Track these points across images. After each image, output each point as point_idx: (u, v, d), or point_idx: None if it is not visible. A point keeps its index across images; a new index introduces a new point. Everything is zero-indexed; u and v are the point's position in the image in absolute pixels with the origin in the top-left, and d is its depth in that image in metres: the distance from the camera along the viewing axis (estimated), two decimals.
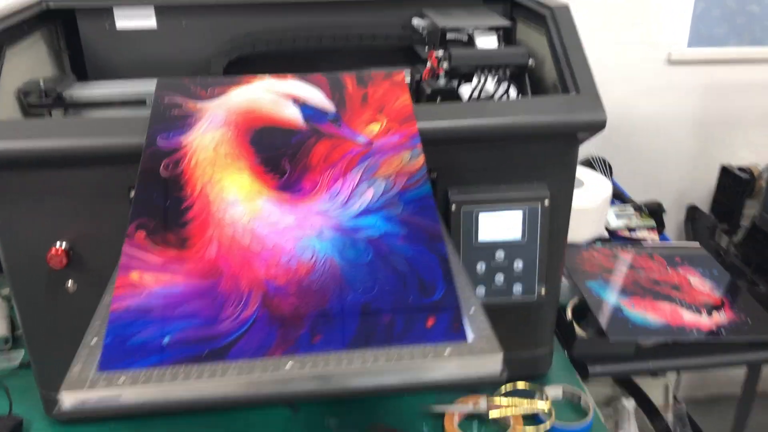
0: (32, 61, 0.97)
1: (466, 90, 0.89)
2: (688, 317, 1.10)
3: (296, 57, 1.04)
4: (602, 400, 1.49)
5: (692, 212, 1.82)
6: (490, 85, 0.88)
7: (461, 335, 0.56)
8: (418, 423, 0.92)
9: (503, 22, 0.98)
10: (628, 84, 1.74)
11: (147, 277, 0.59)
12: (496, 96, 0.88)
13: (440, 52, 0.90)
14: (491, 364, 0.55)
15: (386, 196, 0.67)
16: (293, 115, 0.76)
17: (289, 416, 0.94)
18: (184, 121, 0.74)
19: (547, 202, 0.84)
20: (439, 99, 0.87)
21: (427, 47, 0.99)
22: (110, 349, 0.54)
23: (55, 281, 0.81)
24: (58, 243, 0.79)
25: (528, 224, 0.85)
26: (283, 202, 0.66)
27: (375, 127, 0.75)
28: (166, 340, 0.55)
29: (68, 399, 0.51)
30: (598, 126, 0.79)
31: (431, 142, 0.79)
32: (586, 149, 1.79)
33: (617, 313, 1.11)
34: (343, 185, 0.68)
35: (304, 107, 0.76)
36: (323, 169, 0.70)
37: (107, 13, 1.02)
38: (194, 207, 0.65)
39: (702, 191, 1.88)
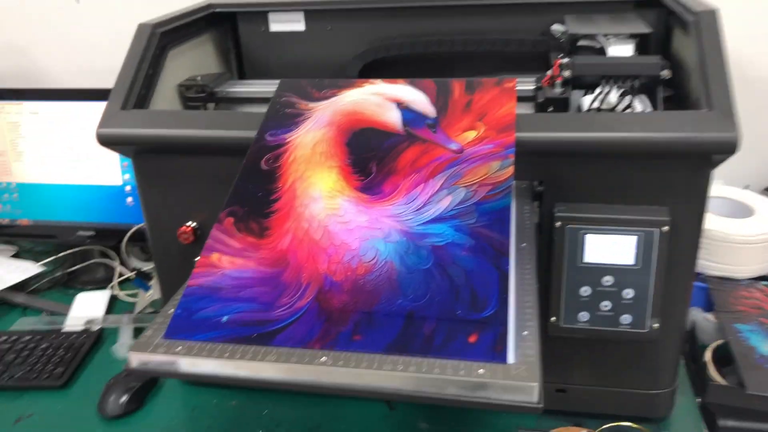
0: (200, 59, 1.10)
1: (587, 101, 0.83)
2: None
3: (429, 61, 1.05)
4: None
5: None
6: (614, 96, 0.82)
7: (502, 356, 0.53)
8: None
9: (642, 29, 0.90)
10: None
11: (224, 260, 0.65)
12: (618, 108, 0.81)
13: (565, 60, 0.85)
14: (525, 392, 0.51)
15: (463, 205, 0.66)
16: (393, 118, 0.77)
17: (386, 413, 0.95)
18: (293, 120, 0.79)
19: (666, 228, 0.76)
20: (551, 109, 0.82)
21: (560, 55, 0.95)
22: (178, 320, 0.60)
23: (185, 255, 0.91)
24: (189, 222, 0.89)
25: (642, 250, 0.77)
26: (360, 203, 0.68)
27: (471, 135, 0.73)
28: (224, 318, 0.59)
29: (135, 359, 0.58)
30: (727, 147, 0.70)
31: (537, 154, 0.75)
32: None
33: (765, 363, 0.96)
34: (422, 191, 0.68)
35: (406, 111, 0.77)
36: (407, 173, 0.70)
37: (263, 17, 1.12)
38: (281, 200, 0.70)
39: None
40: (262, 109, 0.83)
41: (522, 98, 0.89)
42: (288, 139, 0.76)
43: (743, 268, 1.15)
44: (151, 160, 0.86)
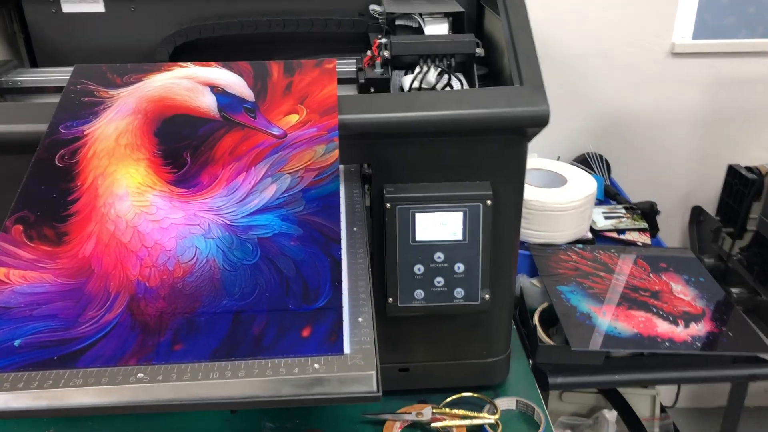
0: None
1: (407, 80, 0.83)
2: (662, 328, 1.03)
3: (246, 44, 1.00)
4: (585, 411, 1.42)
5: (697, 214, 1.72)
6: (432, 75, 0.82)
7: (337, 347, 0.51)
8: (358, 430, 0.87)
9: (456, 7, 0.92)
10: (629, 77, 1.65)
11: (14, 275, 0.56)
12: (438, 87, 0.82)
13: (383, 40, 0.84)
14: (363, 382, 0.49)
15: (289, 192, 0.62)
16: (207, 103, 0.71)
17: (227, 417, 0.90)
18: (92, 109, 0.70)
19: (489, 202, 0.78)
20: (372, 89, 0.81)
21: (379, 36, 0.94)
22: None
23: None
24: None
25: (469, 225, 0.79)
26: (175, 197, 0.62)
27: (293, 118, 0.70)
28: (17, 342, 0.51)
29: None
30: (540, 120, 0.73)
31: (362, 136, 0.74)
32: (582, 145, 1.71)
33: (586, 320, 1.04)
34: (244, 180, 0.64)
35: (221, 96, 0.72)
36: (227, 162, 0.65)
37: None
38: (81, 200, 0.62)
39: (709, 192, 1.78)
40: (57, 99, 0.73)
41: (344, 80, 0.87)
42: (86, 131, 0.67)
43: (561, 234, 1.24)
44: None
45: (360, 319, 0.54)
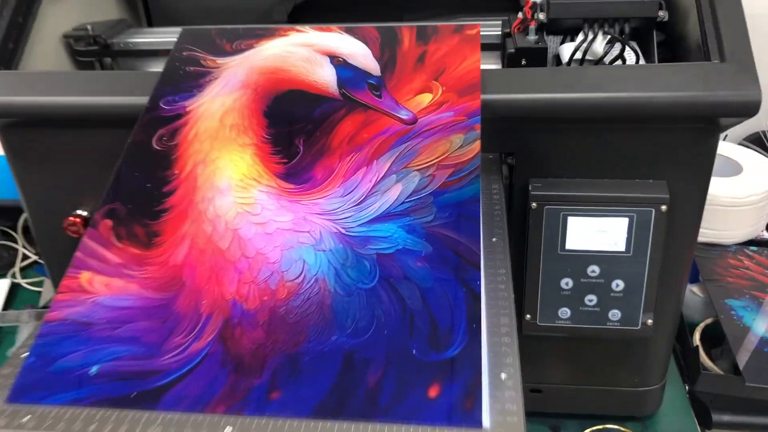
0: (94, 2, 0.89)
1: (567, 50, 0.68)
2: None
3: (372, 3, 0.87)
4: None
5: None
6: (600, 44, 0.66)
7: (473, 418, 0.39)
8: None
9: None
10: None
11: (98, 282, 0.48)
12: (606, 60, 0.66)
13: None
14: None
15: (417, 196, 0.50)
16: (326, 77, 0.60)
17: None
18: (197, 81, 0.61)
19: (664, 207, 0.62)
20: (524, 61, 0.66)
21: None
22: (29, 373, 0.43)
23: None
24: (78, 210, 0.71)
25: (635, 235, 0.63)
26: (283, 195, 0.52)
27: (426, 98, 0.57)
28: (94, 369, 0.43)
29: None
30: (748, 109, 0.55)
31: (508, 120, 0.60)
32: (755, 121, 1.45)
33: (764, 347, 0.85)
34: (364, 177, 0.52)
35: (342, 68, 0.60)
36: (345, 152, 0.54)
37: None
38: (177, 192, 0.53)
39: None
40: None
41: (486, 47, 0.72)
42: (189, 108, 0.58)
43: (731, 233, 1.04)
44: (24, 133, 0.67)
45: (503, 376, 0.42)
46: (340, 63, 0.61)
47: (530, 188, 0.63)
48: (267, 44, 0.64)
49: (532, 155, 0.62)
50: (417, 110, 0.56)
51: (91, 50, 0.82)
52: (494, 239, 0.55)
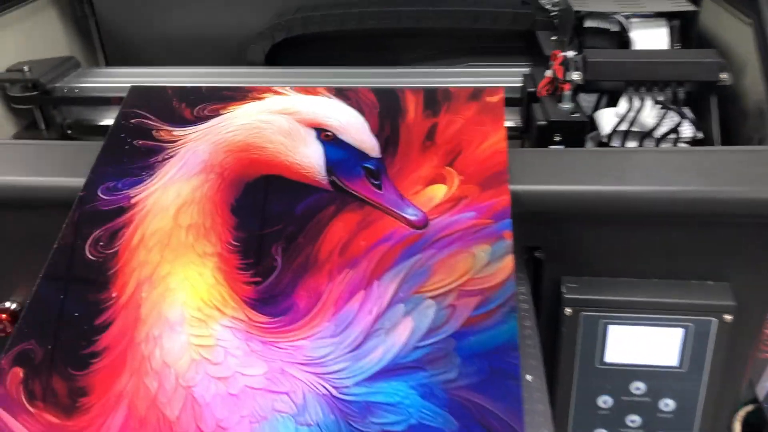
0: (39, 35, 0.76)
1: (608, 119, 0.56)
2: None
3: (364, 42, 0.74)
4: None
5: None
6: (650, 114, 0.54)
7: None
8: None
9: (682, 5, 0.61)
10: None
11: None
12: (657, 133, 0.54)
13: (570, 53, 0.56)
14: None
15: (433, 338, 0.38)
16: (312, 158, 0.47)
17: None
18: (146, 161, 0.48)
19: (728, 317, 0.50)
20: (557, 137, 0.54)
21: (554, 38, 0.66)
22: None
23: None
24: (6, 303, 0.58)
25: (692, 348, 0.52)
26: (254, 333, 0.39)
27: (438, 192, 0.45)
28: None
29: None
30: None
31: (537, 213, 0.48)
32: None
33: None
34: (362, 305, 0.39)
35: (331, 146, 0.47)
36: (337, 268, 0.41)
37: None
38: (113, 326, 0.40)
39: None
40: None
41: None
42: (134, 199, 0.45)
43: None
44: None
45: None
46: (329, 139, 0.48)
47: (563, 290, 0.51)
48: (237, 110, 0.51)
49: (566, 249, 0.50)
50: (428, 208, 0.44)
51: (28, 96, 0.69)
52: (528, 377, 0.42)
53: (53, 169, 0.51)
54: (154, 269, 0.42)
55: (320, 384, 0.37)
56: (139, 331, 0.39)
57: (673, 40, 0.61)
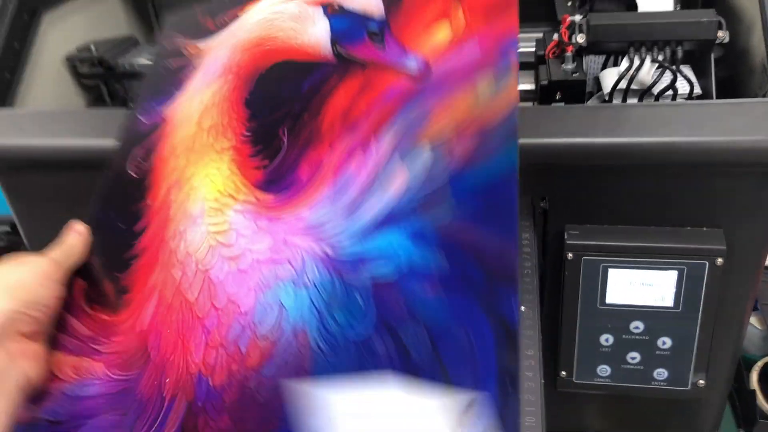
0: (100, 17, 0.79)
1: (610, 77, 0.58)
2: None
3: None
4: None
5: None
6: (648, 71, 0.56)
7: None
8: None
9: None
10: None
11: (67, 364, 0.39)
12: (654, 90, 0.56)
13: (577, 17, 0.58)
14: None
15: (429, 185, 0.37)
16: (318, 36, 0.46)
17: None
18: (176, 77, 0.49)
19: (720, 260, 0.52)
20: (559, 95, 0.57)
21: (569, 3, 0.67)
22: None
23: None
24: None
25: (686, 289, 0.54)
26: (262, 212, 0.40)
27: (442, 33, 0.43)
28: None
29: None
30: None
31: (540, 165, 0.50)
32: None
33: None
34: (360, 167, 0.39)
35: (337, 18, 0.46)
36: (337, 136, 0.41)
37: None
38: (149, 229, 0.42)
39: None
40: None
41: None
42: (166, 114, 0.47)
43: None
44: (24, 177, 0.58)
45: None
46: (335, 12, 0.47)
47: (566, 236, 0.53)
48: (252, 8, 0.50)
49: (569, 200, 0.53)
50: (431, 54, 0.42)
51: (95, 73, 0.73)
52: (522, 308, 0.44)
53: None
54: (181, 173, 0.44)
55: (318, 247, 0.38)
56: (168, 230, 0.41)
57: (676, 4, 0.62)
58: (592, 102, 0.60)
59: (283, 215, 0.40)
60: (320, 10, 0.47)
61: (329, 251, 0.37)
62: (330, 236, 0.38)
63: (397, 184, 0.38)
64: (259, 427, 0.33)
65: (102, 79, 0.74)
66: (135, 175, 0.45)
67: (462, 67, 0.40)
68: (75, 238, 0.42)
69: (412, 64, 0.42)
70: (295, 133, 0.42)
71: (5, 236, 1.01)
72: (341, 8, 0.46)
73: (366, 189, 0.39)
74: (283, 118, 0.43)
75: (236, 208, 0.41)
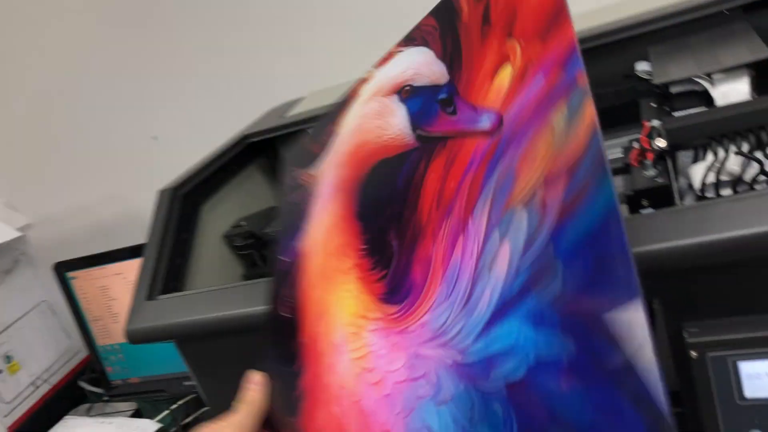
0: (244, 198, 0.91)
1: (698, 172, 0.51)
2: None
3: None
4: None
5: None
6: (735, 162, 0.49)
7: None
8: None
9: (761, 50, 0.55)
10: None
11: None
12: (746, 176, 0.48)
13: (655, 122, 0.55)
14: None
15: (533, 252, 0.31)
16: (400, 126, 0.44)
17: None
18: (301, 211, 0.51)
19: None
20: (644, 202, 0.53)
21: (653, 104, 0.63)
22: None
23: None
24: None
25: None
26: (391, 327, 0.38)
27: (505, 75, 0.36)
28: None
29: None
30: None
31: (647, 271, 0.36)
32: None
33: None
34: (464, 251, 0.35)
35: (411, 100, 0.43)
36: (437, 224, 0.37)
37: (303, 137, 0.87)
38: (306, 370, 0.44)
39: None
40: None
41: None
42: (299, 248, 0.49)
43: None
44: (199, 345, 0.67)
45: None
46: (408, 95, 0.44)
47: (685, 336, 0.42)
48: (345, 119, 0.51)
49: (682, 299, 0.43)
50: (500, 102, 0.36)
51: (247, 244, 0.83)
52: None
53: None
54: (321, 303, 0.45)
55: (446, 354, 0.34)
56: (321, 365, 0.43)
57: (756, 88, 0.56)
58: (688, 201, 0.53)
59: (409, 326, 0.37)
60: (395, 98, 0.45)
61: (457, 357, 0.34)
62: (453, 337, 0.34)
63: (501, 262, 0.33)
64: None
65: (254, 248, 0.83)
66: (286, 316, 0.47)
67: (532, 103, 0.34)
68: (255, 391, 0.44)
69: (485, 119, 0.37)
70: (401, 233, 0.40)
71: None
72: (412, 88, 0.44)
73: (474, 274, 0.34)
74: (389, 221, 0.42)
75: (370, 328, 0.40)
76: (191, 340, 0.66)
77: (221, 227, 0.84)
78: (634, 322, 0.26)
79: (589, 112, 0.31)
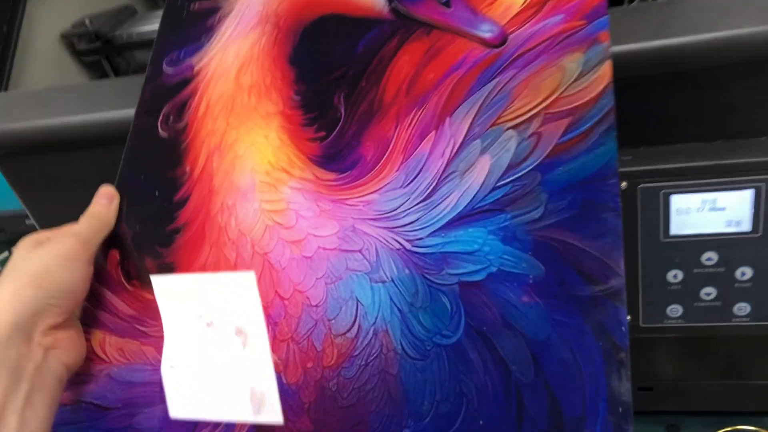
0: None
1: None
2: None
3: None
4: None
5: None
6: None
7: None
8: None
9: None
10: None
11: (111, 345, 0.38)
12: None
13: None
14: None
15: (515, 174, 0.34)
16: None
17: None
18: (204, 24, 0.44)
19: None
20: None
21: None
22: None
23: None
24: None
25: (765, 210, 0.48)
26: (323, 192, 0.38)
27: None
28: None
29: None
30: None
31: None
32: None
33: None
34: (434, 148, 0.36)
35: None
36: (404, 109, 0.38)
37: None
38: (190, 200, 0.39)
39: None
40: None
41: None
42: (197, 66, 0.43)
43: None
44: (22, 161, 0.54)
45: None
46: None
47: (618, 162, 0.47)
48: None
49: (619, 118, 0.46)
50: (506, 20, 0.37)
51: (93, 48, 0.69)
52: None
53: (122, 100, 0.49)
54: (222, 137, 0.40)
55: (393, 238, 0.35)
56: (214, 203, 0.39)
57: None
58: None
59: (348, 198, 0.37)
60: None
61: (405, 243, 0.35)
62: (404, 225, 0.35)
63: (478, 173, 0.34)
64: (343, 430, 0.32)
65: (102, 53, 0.70)
66: (166, 135, 0.41)
67: (544, 39, 0.35)
68: (102, 206, 0.40)
69: (486, 29, 0.36)
70: (354, 102, 0.38)
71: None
72: None
73: (442, 175, 0.35)
74: (338, 82, 0.39)
75: (292, 184, 0.38)
76: (15, 153, 0.52)
77: (59, 26, 0.67)
78: (612, 270, 0.31)
79: (607, 73, 0.33)
